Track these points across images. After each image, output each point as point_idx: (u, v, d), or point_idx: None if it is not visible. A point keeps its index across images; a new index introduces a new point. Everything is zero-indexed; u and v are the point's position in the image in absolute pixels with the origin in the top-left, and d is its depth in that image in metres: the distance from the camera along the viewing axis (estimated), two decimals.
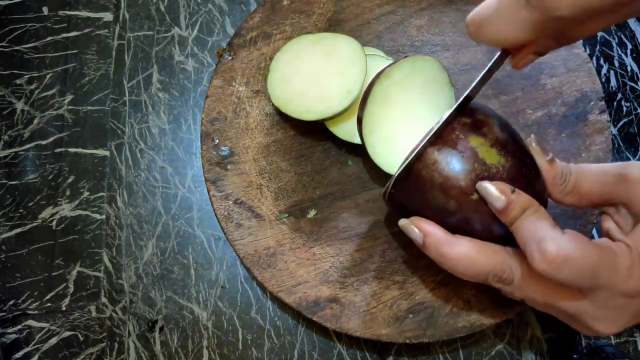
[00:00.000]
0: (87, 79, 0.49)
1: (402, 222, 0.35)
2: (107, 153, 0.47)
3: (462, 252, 0.32)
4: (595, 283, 0.29)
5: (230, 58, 0.46)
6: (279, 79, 0.43)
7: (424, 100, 0.40)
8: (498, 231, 0.32)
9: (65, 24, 0.51)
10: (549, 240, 0.28)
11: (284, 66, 0.43)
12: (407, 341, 0.38)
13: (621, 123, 0.47)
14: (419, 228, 0.34)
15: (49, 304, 0.44)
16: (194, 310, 0.43)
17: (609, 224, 0.33)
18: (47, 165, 0.47)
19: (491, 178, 0.31)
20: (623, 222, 0.33)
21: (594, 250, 0.29)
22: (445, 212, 0.32)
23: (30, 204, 0.46)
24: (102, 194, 0.46)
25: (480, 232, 0.32)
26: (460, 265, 0.33)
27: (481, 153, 0.31)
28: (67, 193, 0.46)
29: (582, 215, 0.40)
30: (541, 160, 0.34)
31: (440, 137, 0.32)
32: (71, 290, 0.44)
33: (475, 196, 0.31)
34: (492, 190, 0.31)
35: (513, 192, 0.31)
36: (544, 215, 0.30)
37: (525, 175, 0.32)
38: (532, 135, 0.34)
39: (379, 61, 0.42)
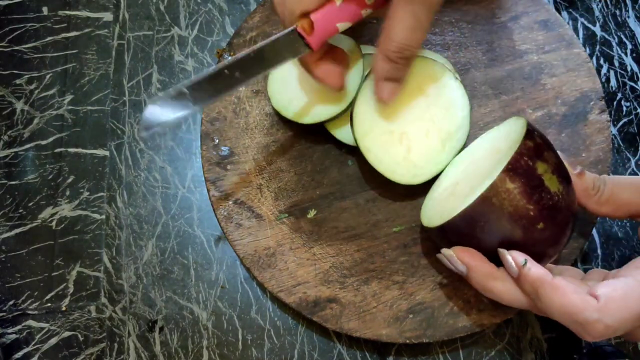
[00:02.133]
0: (87, 79, 0.49)
1: (446, 252, 0.35)
2: (107, 153, 0.47)
3: (507, 287, 0.33)
4: None
5: (230, 58, 0.46)
6: (279, 82, 0.43)
7: (421, 97, 0.40)
8: None
9: (65, 24, 0.51)
10: (586, 313, 0.29)
11: (283, 69, 0.43)
12: (407, 341, 0.38)
13: (621, 123, 0.47)
14: (463, 261, 0.34)
15: (49, 304, 0.44)
16: (194, 310, 0.43)
17: None
18: (47, 165, 0.47)
19: (554, 207, 0.32)
20: None
21: (630, 287, 0.30)
22: (508, 241, 0.33)
23: (30, 204, 0.46)
24: (102, 194, 0.46)
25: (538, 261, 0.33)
26: (505, 299, 0.33)
27: (546, 181, 0.32)
28: (67, 193, 0.46)
29: (582, 215, 0.40)
30: (570, 174, 0.34)
31: (511, 163, 0.32)
32: (71, 290, 0.44)
33: (541, 225, 0.32)
34: (508, 258, 0.32)
35: (524, 264, 0.32)
36: (560, 285, 0.31)
37: (574, 199, 0.33)
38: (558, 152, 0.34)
39: None
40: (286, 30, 0.34)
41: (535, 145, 0.32)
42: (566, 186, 0.33)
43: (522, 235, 0.32)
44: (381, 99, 0.37)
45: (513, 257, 0.32)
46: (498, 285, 0.33)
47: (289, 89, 0.43)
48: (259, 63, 0.35)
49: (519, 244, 0.32)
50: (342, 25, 0.34)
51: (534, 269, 0.32)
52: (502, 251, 0.33)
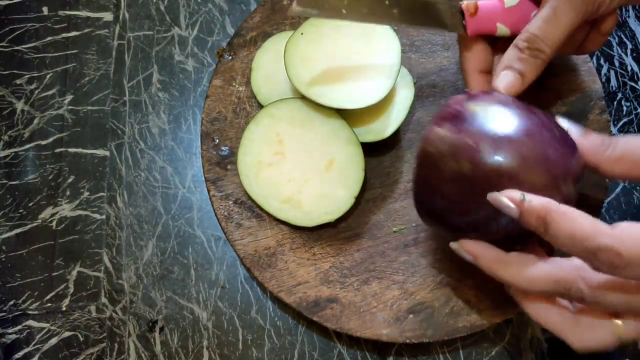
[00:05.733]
0: (87, 79, 0.49)
1: (452, 246, 0.33)
2: (107, 153, 0.47)
3: (518, 270, 0.30)
4: None
5: (230, 58, 0.46)
6: (264, 78, 0.43)
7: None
8: None
9: (65, 24, 0.51)
10: (598, 238, 0.26)
11: (268, 64, 0.44)
12: (408, 341, 0.38)
13: (621, 123, 0.47)
14: (468, 251, 0.32)
15: (49, 304, 0.44)
16: (194, 310, 0.43)
17: None
18: (47, 165, 0.47)
19: None
20: None
21: None
22: (465, 182, 0.30)
23: (30, 204, 0.46)
24: (102, 194, 0.46)
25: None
26: (518, 282, 0.30)
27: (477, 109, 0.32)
28: (67, 193, 0.46)
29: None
30: (572, 132, 0.31)
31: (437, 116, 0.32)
32: (71, 290, 0.44)
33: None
34: (502, 199, 0.29)
35: (523, 199, 0.28)
36: (569, 211, 0.27)
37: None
38: (556, 114, 0.33)
39: None
40: (451, 2, 0.36)
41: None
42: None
43: (472, 167, 0.29)
44: (496, 87, 0.34)
45: (507, 196, 0.28)
46: (509, 270, 0.30)
47: (277, 85, 0.43)
48: (416, 13, 0.35)
49: (476, 182, 0.30)
50: (501, 28, 0.36)
51: (535, 199, 0.28)
52: (493, 195, 0.29)
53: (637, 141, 0.30)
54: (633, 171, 0.30)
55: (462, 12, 0.36)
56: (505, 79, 0.34)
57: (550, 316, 0.31)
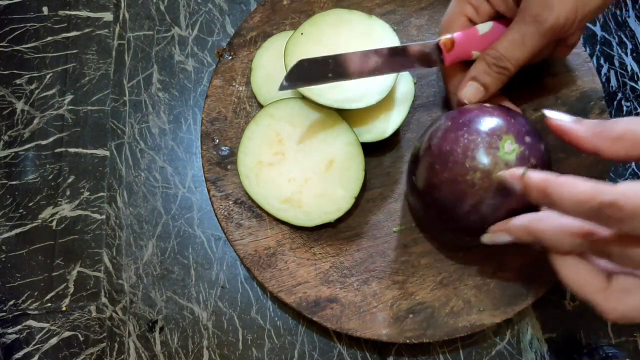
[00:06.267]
0: (87, 79, 0.49)
1: (485, 238, 0.34)
2: (107, 153, 0.47)
3: (547, 230, 0.30)
4: None
5: (230, 58, 0.46)
6: (264, 78, 0.43)
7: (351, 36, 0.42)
8: None
9: (65, 24, 0.51)
10: (600, 196, 0.26)
11: (268, 65, 0.44)
12: (408, 341, 0.38)
13: None
14: (500, 229, 0.33)
15: (49, 304, 0.44)
16: (194, 310, 0.43)
17: None
18: (47, 165, 0.47)
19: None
20: None
21: None
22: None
23: (30, 204, 0.46)
24: (102, 194, 0.46)
25: None
26: (552, 243, 0.30)
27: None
28: (67, 193, 0.46)
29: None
30: (567, 126, 0.31)
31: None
32: (71, 290, 0.44)
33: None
34: (506, 176, 0.31)
35: (524, 174, 0.30)
36: (568, 179, 0.28)
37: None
38: (544, 111, 0.32)
39: None
40: (430, 41, 0.38)
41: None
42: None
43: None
44: (460, 96, 0.38)
45: (510, 174, 0.31)
46: (542, 227, 0.30)
47: (277, 85, 0.43)
48: (397, 59, 0.38)
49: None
50: (476, 54, 0.38)
51: (535, 174, 0.29)
52: (499, 173, 0.32)
53: (637, 120, 0.30)
54: (634, 150, 0.29)
55: (439, 48, 0.38)
56: (471, 89, 0.38)
57: (580, 275, 0.30)
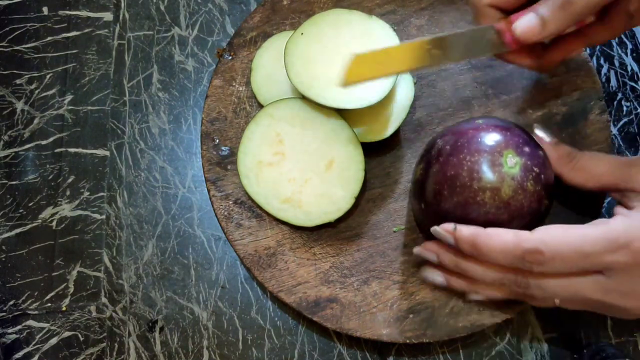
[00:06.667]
0: (87, 79, 0.49)
1: (416, 250, 0.38)
2: (107, 153, 0.47)
3: (474, 265, 0.34)
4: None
5: (230, 58, 0.46)
6: (265, 78, 0.43)
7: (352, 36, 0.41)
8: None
9: (65, 24, 0.51)
10: (523, 244, 0.31)
11: (268, 65, 0.44)
12: (408, 341, 0.38)
13: (621, 123, 0.47)
14: (430, 250, 0.37)
15: (49, 304, 0.44)
16: (194, 310, 0.43)
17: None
18: (47, 165, 0.47)
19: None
20: (631, 205, 0.33)
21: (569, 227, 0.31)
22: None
23: (30, 204, 0.46)
24: (102, 194, 0.46)
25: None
26: (479, 274, 0.34)
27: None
28: (67, 193, 0.46)
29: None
30: (545, 142, 0.36)
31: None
32: (71, 290, 0.44)
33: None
34: (439, 230, 0.34)
35: (454, 229, 0.33)
36: (493, 231, 0.32)
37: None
38: (535, 124, 0.37)
39: None
40: (484, 26, 0.35)
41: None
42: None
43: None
44: (514, 27, 0.33)
45: (442, 227, 0.34)
46: (468, 263, 0.34)
47: (277, 85, 0.43)
48: (458, 48, 0.35)
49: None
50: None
51: (465, 228, 0.33)
52: (434, 228, 0.34)
53: (600, 156, 0.35)
54: (589, 182, 0.35)
55: (498, 31, 0.35)
56: (526, 21, 0.33)
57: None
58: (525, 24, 0.33)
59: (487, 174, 0.33)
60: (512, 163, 0.33)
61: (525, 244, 0.31)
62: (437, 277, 0.37)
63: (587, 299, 0.32)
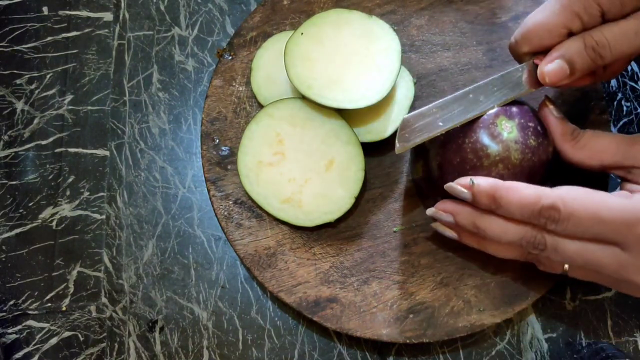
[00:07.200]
0: (87, 79, 0.49)
1: (429, 211, 0.37)
2: (107, 153, 0.47)
3: (497, 221, 0.33)
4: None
5: (230, 58, 0.46)
6: (264, 78, 0.43)
7: (354, 37, 0.41)
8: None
9: (65, 24, 0.51)
10: (542, 199, 0.30)
11: (268, 65, 0.44)
12: (408, 341, 0.38)
13: (621, 123, 0.47)
14: (446, 210, 0.35)
15: (49, 304, 0.44)
16: (194, 310, 0.43)
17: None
18: (47, 165, 0.47)
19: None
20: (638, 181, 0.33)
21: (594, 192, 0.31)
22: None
23: (30, 204, 0.46)
24: (102, 194, 0.46)
25: None
26: (497, 233, 0.33)
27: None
28: (67, 193, 0.46)
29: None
30: (551, 117, 0.35)
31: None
32: (71, 290, 0.44)
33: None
34: (455, 186, 0.33)
35: (472, 183, 0.32)
36: (513, 185, 0.32)
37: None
38: (546, 96, 0.36)
39: None
40: (514, 68, 0.35)
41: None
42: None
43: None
44: (541, 72, 0.34)
45: (458, 182, 0.33)
46: (487, 221, 0.33)
47: (277, 85, 0.43)
48: (499, 89, 0.35)
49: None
50: None
51: (483, 181, 0.32)
52: (449, 184, 0.34)
53: (603, 134, 0.34)
54: (591, 160, 0.34)
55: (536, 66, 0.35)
56: (554, 67, 0.33)
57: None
58: (554, 69, 0.33)
59: (492, 147, 0.33)
60: (509, 127, 0.34)
61: (544, 200, 0.30)
62: (448, 231, 0.36)
63: (601, 269, 0.31)
